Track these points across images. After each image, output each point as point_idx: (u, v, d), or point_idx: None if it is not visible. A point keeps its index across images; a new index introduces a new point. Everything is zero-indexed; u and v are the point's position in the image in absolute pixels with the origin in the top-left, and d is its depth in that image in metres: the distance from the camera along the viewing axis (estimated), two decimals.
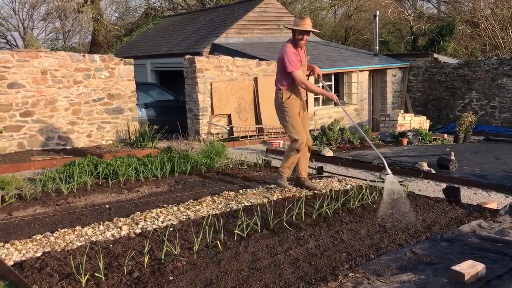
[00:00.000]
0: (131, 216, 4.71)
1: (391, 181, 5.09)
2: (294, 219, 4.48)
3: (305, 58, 5.63)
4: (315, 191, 5.60)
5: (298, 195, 5.44)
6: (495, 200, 5.30)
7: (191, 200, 5.25)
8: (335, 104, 14.38)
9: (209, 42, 14.56)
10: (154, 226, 4.39)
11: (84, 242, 4.01)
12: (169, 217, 4.68)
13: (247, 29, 15.43)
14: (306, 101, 11.65)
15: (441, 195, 5.40)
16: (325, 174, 6.70)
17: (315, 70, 5.81)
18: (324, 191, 5.61)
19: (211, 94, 10.65)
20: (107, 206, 5.16)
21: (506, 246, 3.75)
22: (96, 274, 3.32)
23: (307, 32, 5.40)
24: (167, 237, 3.91)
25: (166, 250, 3.69)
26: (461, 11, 22.46)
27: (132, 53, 17.38)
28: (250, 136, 10.80)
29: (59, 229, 4.35)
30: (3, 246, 3.95)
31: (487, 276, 3.18)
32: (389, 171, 5.17)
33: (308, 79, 6.27)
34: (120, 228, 4.37)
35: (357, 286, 3.12)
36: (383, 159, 5.43)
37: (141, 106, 11.36)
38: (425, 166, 6.74)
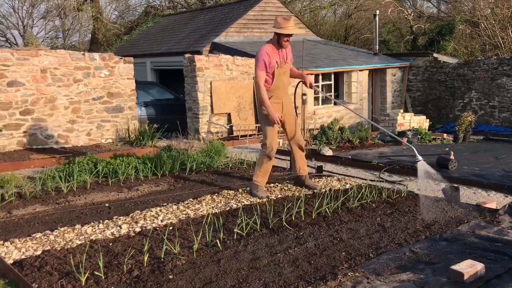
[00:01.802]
0: (130, 214, 4.72)
1: (423, 166, 5.16)
2: (293, 218, 4.48)
3: (287, 58, 5.46)
4: (315, 191, 5.60)
5: (297, 194, 5.45)
6: (494, 200, 5.30)
7: (191, 199, 5.26)
8: (335, 103, 14.39)
9: (209, 41, 14.56)
10: (154, 225, 4.40)
11: (83, 241, 4.01)
12: (168, 216, 4.68)
13: (247, 28, 15.44)
14: (305, 100, 11.65)
15: (440, 194, 5.40)
16: (324, 173, 6.70)
17: (306, 80, 5.55)
18: (324, 190, 5.61)
19: (211, 93, 10.65)
20: (107, 204, 5.16)
21: (505, 245, 3.76)
22: (96, 273, 3.32)
23: (291, 34, 5.29)
24: (166, 236, 3.92)
25: (166, 249, 3.70)
26: (461, 10, 22.46)
27: (132, 51, 17.37)
28: (250, 135, 10.80)
29: (59, 228, 4.35)
30: (2, 245, 3.95)
31: (486, 276, 3.19)
32: (419, 157, 5.22)
33: (296, 86, 6.14)
34: (120, 226, 4.37)
35: (356, 286, 3.13)
36: (412, 147, 5.55)
37: (140, 105, 11.36)
38: None
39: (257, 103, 5.56)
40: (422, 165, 5.19)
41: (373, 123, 6.23)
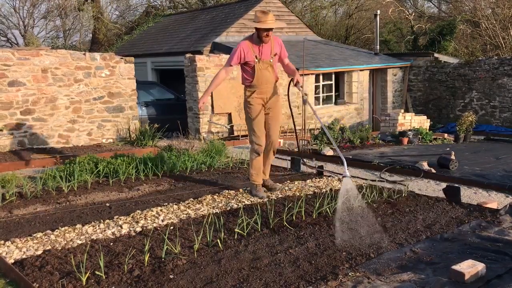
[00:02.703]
0: (131, 214, 4.72)
1: (347, 185, 4.44)
2: (294, 218, 4.48)
3: (271, 52, 5.32)
4: (275, 191, 5.55)
5: (298, 194, 5.44)
6: (495, 200, 5.30)
7: (192, 199, 5.26)
8: (336, 103, 14.40)
9: (209, 40, 14.57)
10: (155, 225, 4.40)
11: (84, 240, 4.01)
12: (169, 215, 4.68)
13: (248, 28, 15.42)
14: (306, 100, 11.66)
15: (441, 194, 5.40)
16: (325, 173, 6.70)
17: (295, 77, 5.36)
18: (325, 190, 5.61)
19: (211, 92, 10.63)
20: (108, 204, 5.16)
21: (506, 245, 3.75)
22: (97, 272, 3.32)
23: (271, 28, 5.17)
24: (167, 236, 3.91)
25: (167, 248, 3.70)
26: (462, 10, 22.45)
27: (132, 51, 17.37)
28: None
29: (60, 227, 4.35)
30: (3, 244, 3.95)
31: (487, 276, 3.18)
32: (347, 173, 4.45)
33: (289, 85, 5.96)
34: (121, 226, 4.37)
35: (357, 285, 3.13)
36: (344, 159, 4.72)
37: (141, 104, 11.36)
38: (425, 166, 6.75)
39: (244, 97, 5.52)
40: (346, 182, 4.45)
41: (326, 130, 5.70)
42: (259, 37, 5.20)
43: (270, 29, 5.15)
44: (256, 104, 5.40)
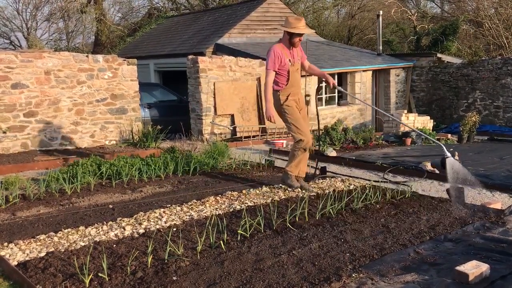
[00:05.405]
0: (134, 216, 4.72)
1: (452, 164, 5.07)
2: (297, 219, 4.48)
3: (298, 56, 5.60)
4: (308, 192, 5.59)
5: (301, 195, 5.44)
6: (499, 200, 5.28)
7: (195, 200, 5.25)
8: (339, 104, 14.38)
9: (212, 42, 14.57)
10: (158, 226, 4.40)
11: (87, 242, 4.01)
12: (172, 217, 4.68)
13: (250, 29, 15.44)
14: (308, 101, 11.65)
15: (444, 195, 5.38)
16: (328, 174, 6.69)
17: (329, 80, 5.70)
18: (328, 191, 5.60)
19: (214, 94, 10.64)
20: (111, 206, 5.16)
21: (510, 246, 3.74)
22: (100, 274, 3.32)
23: (303, 33, 5.46)
24: (170, 237, 3.91)
25: (170, 250, 3.69)
26: (465, 10, 22.41)
27: (135, 53, 17.40)
28: (253, 136, 10.80)
29: (63, 229, 4.35)
30: (7, 246, 3.96)
31: (491, 277, 3.17)
32: (448, 154, 5.13)
33: (318, 86, 6.32)
34: (124, 228, 4.37)
35: (360, 287, 3.12)
36: (441, 144, 5.57)
37: (144, 106, 11.38)
38: (428, 166, 6.73)
39: (275, 102, 5.63)
40: (451, 162, 5.11)
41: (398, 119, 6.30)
42: (290, 42, 5.44)
43: (302, 34, 5.43)
44: (294, 106, 5.59)
